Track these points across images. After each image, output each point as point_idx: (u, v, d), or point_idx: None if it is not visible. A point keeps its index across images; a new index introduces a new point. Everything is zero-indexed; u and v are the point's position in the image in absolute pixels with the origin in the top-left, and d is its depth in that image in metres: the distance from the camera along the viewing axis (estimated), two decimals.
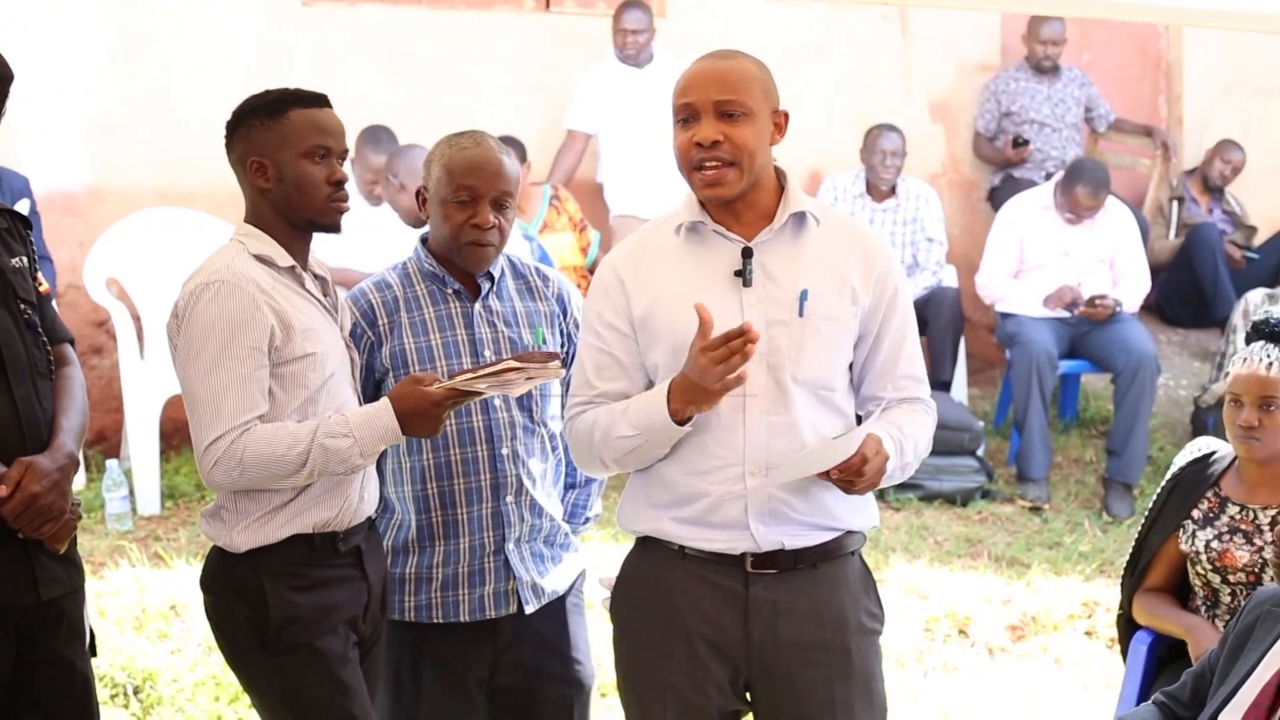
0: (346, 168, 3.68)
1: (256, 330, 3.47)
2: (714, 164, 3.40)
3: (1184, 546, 4.42)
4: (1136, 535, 4.60)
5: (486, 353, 3.93)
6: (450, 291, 3.98)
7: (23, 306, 3.57)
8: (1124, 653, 4.65)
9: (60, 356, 3.69)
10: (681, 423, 3.39)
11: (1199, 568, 4.39)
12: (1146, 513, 4.59)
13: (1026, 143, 9.49)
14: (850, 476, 3.34)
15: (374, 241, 7.47)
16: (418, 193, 4.01)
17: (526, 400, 3.97)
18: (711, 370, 3.26)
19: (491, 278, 4.01)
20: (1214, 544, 4.34)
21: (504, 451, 3.95)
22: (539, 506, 4.03)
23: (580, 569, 4.21)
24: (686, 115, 3.44)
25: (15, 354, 3.50)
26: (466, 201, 3.88)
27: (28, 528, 3.42)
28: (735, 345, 3.23)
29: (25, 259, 3.63)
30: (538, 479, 4.03)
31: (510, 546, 3.98)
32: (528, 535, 4.02)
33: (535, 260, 4.53)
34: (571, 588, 4.16)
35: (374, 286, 4.00)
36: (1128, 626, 4.63)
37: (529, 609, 4.01)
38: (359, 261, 7.43)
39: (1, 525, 3.41)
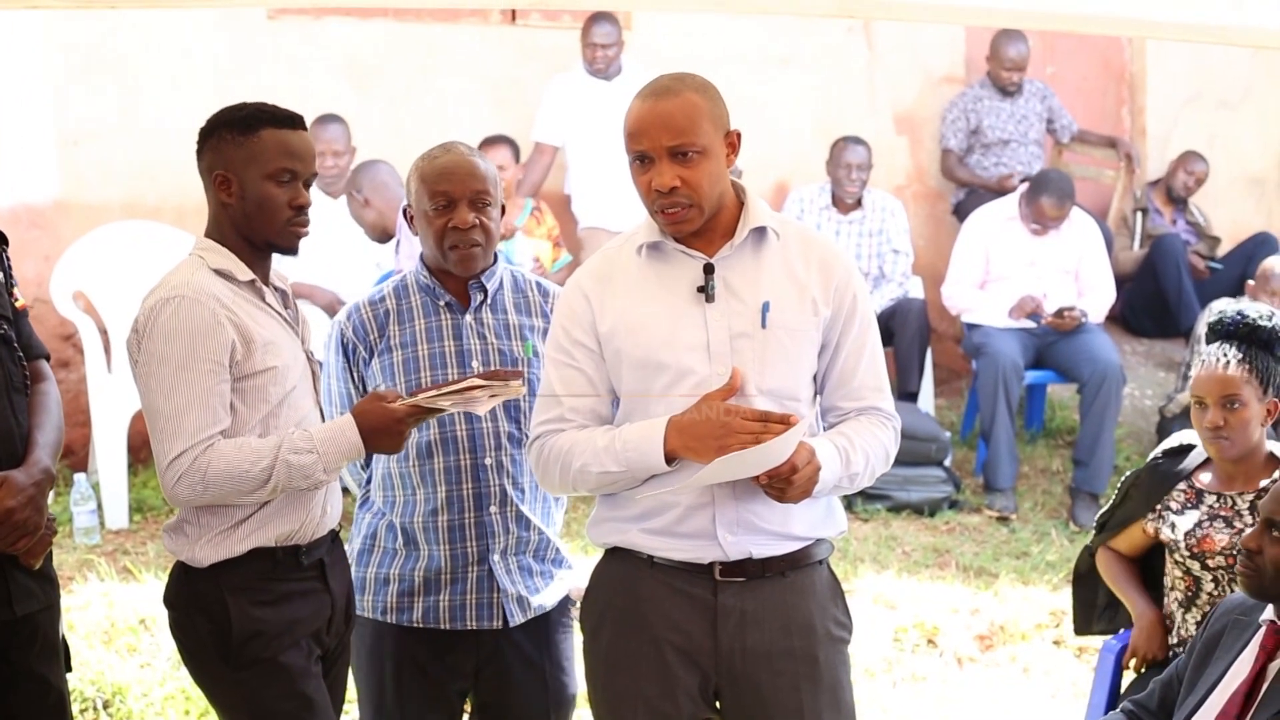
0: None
1: (217, 344, 3.47)
2: (674, 207, 3.43)
3: (1163, 536, 4.44)
4: (1111, 501, 4.65)
5: (474, 364, 3.94)
6: (442, 304, 3.99)
7: None
8: (1075, 578, 4.81)
9: (36, 372, 3.69)
10: (670, 463, 3.43)
11: (1177, 556, 4.40)
12: (1118, 486, 4.66)
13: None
14: (779, 484, 3.35)
15: (331, 240, 7.42)
16: (404, 211, 4.03)
17: (515, 411, 3.97)
18: (737, 437, 3.31)
19: (484, 290, 4.01)
20: (1195, 531, 4.35)
21: (487, 461, 3.95)
22: (526, 519, 4.02)
23: (571, 585, 4.19)
24: (640, 157, 3.45)
25: None
26: (444, 207, 3.89)
27: (2, 543, 3.42)
28: (774, 427, 3.31)
29: (0, 274, 3.63)
30: (526, 491, 4.02)
31: (495, 558, 3.98)
32: (514, 548, 4.01)
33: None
34: (561, 604, 4.15)
35: (368, 302, 4.04)
36: (1089, 561, 4.72)
37: (514, 622, 4.00)
38: (318, 269, 7.40)
39: None
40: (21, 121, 7.96)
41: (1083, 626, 4.83)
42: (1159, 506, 4.47)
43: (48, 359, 3.79)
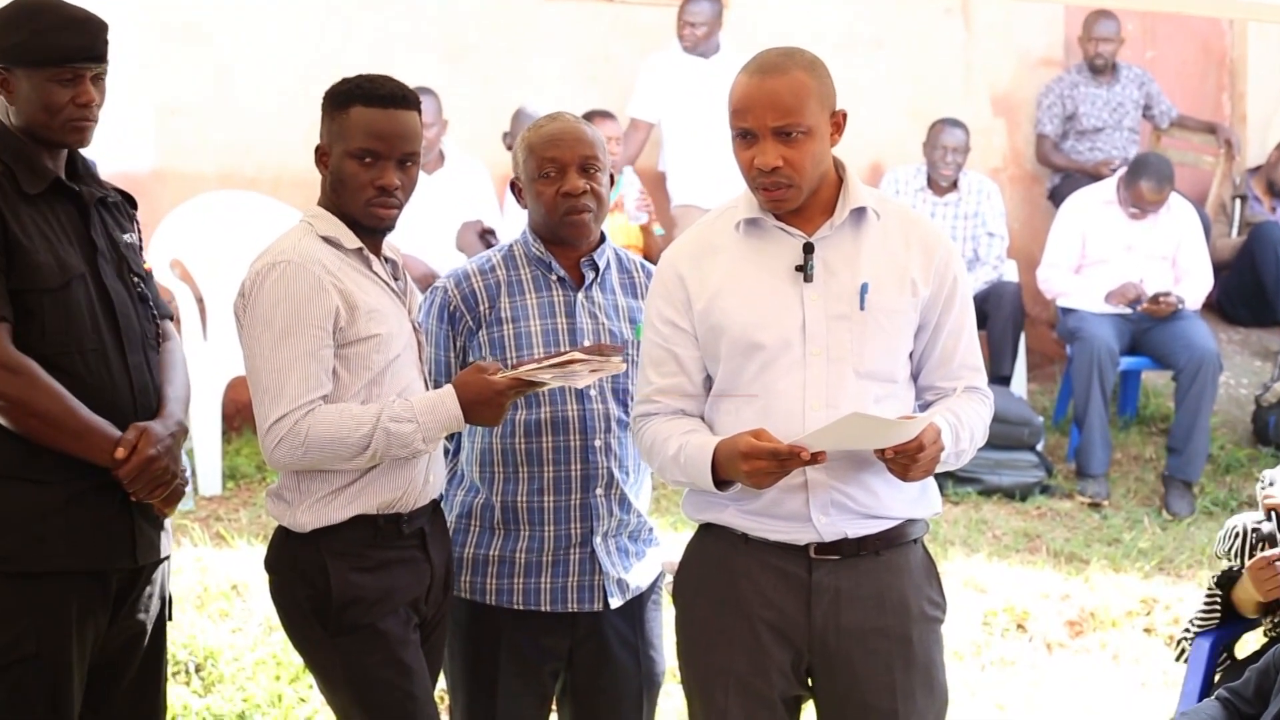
0: None
1: (321, 310, 3.49)
2: (776, 186, 3.41)
3: None
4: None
5: (585, 343, 3.85)
6: (555, 279, 3.94)
7: (135, 280, 3.67)
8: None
9: (163, 331, 3.78)
10: (725, 488, 3.45)
11: None
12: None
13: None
14: (905, 460, 3.33)
15: (424, 214, 7.44)
16: (513, 185, 4.00)
17: (622, 394, 3.93)
18: (764, 480, 3.33)
19: (596, 267, 3.96)
20: None
21: (596, 443, 3.90)
22: (628, 502, 3.99)
23: (662, 564, 4.16)
24: (744, 134, 3.42)
25: (130, 324, 3.60)
26: (553, 175, 3.85)
27: (141, 491, 3.51)
28: (787, 462, 3.29)
29: (135, 236, 3.74)
30: (630, 474, 3.98)
31: (597, 540, 3.93)
32: (615, 529, 3.97)
33: None
34: (654, 583, 4.12)
35: (477, 270, 3.97)
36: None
37: (614, 603, 3.96)
38: (412, 242, 7.42)
39: (112, 489, 3.50)
40: (119, 90, 8.00)
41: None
42: None
43: (171, 319, 3.86)
